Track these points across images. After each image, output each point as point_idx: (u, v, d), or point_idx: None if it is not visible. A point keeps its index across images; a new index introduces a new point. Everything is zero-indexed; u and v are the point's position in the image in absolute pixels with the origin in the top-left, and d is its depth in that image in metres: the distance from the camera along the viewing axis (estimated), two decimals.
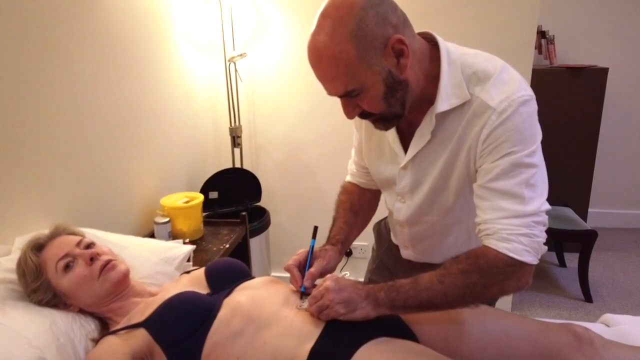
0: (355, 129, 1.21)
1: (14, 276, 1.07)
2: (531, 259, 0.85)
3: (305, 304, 0.98)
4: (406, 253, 1.24)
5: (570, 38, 3.36)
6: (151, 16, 1.91)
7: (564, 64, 3.18)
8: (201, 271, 1.14)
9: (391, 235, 1.33)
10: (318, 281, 1.05)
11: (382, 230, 1.41)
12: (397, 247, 1.28)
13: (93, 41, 1.54)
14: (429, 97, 0.93)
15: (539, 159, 0.88)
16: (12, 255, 1.16)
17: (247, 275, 1.13)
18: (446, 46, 0.93)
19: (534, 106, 0.89)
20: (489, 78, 0.90)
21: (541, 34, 3.20)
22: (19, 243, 1.20)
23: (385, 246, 1.37)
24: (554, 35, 3.22)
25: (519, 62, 2.28)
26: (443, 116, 0.93)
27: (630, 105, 3.46)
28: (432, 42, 0.94)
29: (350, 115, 0.92)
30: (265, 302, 0.99)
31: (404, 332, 0.93)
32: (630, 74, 3.38)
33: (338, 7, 0.82)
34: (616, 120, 3.47)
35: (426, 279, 0.90)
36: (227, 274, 1.10)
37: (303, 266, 1.09)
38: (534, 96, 0.90)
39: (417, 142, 0.99)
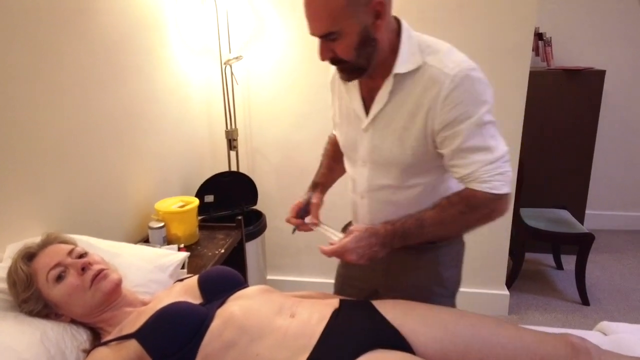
0: (331, 99, 1.34)
1: (4, 285, 1.06)
2: (507, 189, 1.04)
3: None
4: None
5: (567, 40, 3.36)
6: (145, 20, 1.89)
7: (561, 66, 3.18)
8: (194, 280, 1.12)
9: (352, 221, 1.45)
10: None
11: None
12: None
13: (87, 46, 1.52)
14: (389, 65, 1.06)
15: (491, 115, 1.05)
16: (3, 264, 1.14)
17: (241, 284, 1.12)
18: (408, 27, 1.09)
19: (481, 73, 1.04)
20: (440, 50, 1.06)
21: (538, 35, 3.20)
22: (11, 251, 1.18)
23: None
24: (551, 37, 3.21)
25: (516, 64, 2.28)
26: (400, 80, 1.06)
27: (627, 107, 3.46)
28: (398, 24, 1.09)
29: (323, 56, 1.04)
30: (258, 312, 0.98)
31: (400, 344, 0.92)
32: (627, 77, 3.38)
33: None
34: (613, 122, 3.47)
35: (429, 221, 1.06)
36: (221, 283, 1.09)
37: (302, 212, 1.32)
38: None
39: (377, 103, 1.12)
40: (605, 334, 1.16)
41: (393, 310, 1.00)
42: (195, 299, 1.05)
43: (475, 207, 1.04)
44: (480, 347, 0.92)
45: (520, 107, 2.33)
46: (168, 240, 1.78)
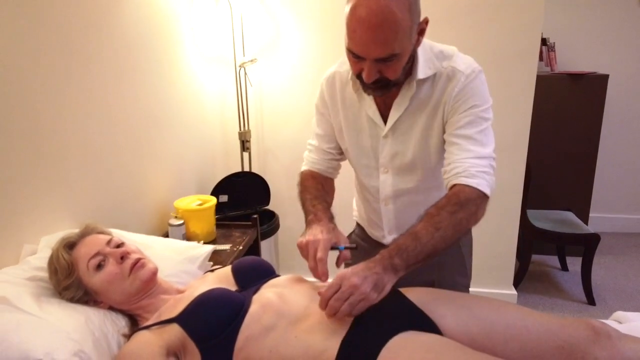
0: (321, 116, 1.32)
1: (43, 274, 1.10)
2: (489, 192, 1.06)
3: None
4: (390, 238, 1.31)
5: (570, 45, 3.43)
6: (162, 26, 1.94)
7: (565, 70, 3.24)
8: (227, 269, 1.17)
9: (368, 232, 1.42)
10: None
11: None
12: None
13: (112, 52, 1.59)
14: (405, 71, 1.08)
15: (491, 115, 1.12)
16: (39, 254, 1.19)
17: (273, 273, 1.16)
18: None
19: (484, 76, 1.13)
20: (452, 55, 1.13)
21: (542, 41, 3.26)
22: (45, 242, 1.23)
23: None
24: (554, 43, 3.28)
25: (523, 68, 2.34)
26: (419, 84, 1.12)
27: (630, 111, 3.52)
28: None
29: (370, 78, 1.02)
30: (293, 298, 1.02)
31: (429, 327, 0.96)
32: (630, 81, 3.45)
33: None
34: (616, 126, 3.53)
35: (424, 231, 0.99)
36: (254, 271, 1.14)
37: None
38: None
39: (396, 110, 1.15)
40: (621, 323, 1.21)
41: (420, 296, 1.04)
42: (230, 286, 1.09)
43: (463, 204, 1.03)
44: (504, 329, 0.96)
45: (528, 111, 2.39)
46: (187, 237, 1.82)
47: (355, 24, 0.95)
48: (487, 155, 1.08)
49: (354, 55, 1.01)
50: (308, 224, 1.16)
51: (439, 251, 1.00)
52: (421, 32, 1.03)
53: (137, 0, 1.73)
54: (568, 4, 3.37)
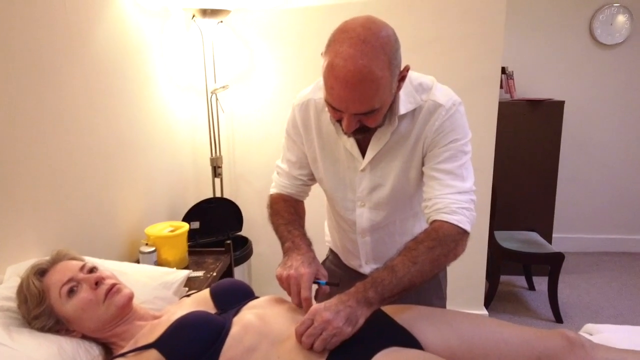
0: (293, 143, 1.27)
1: (11, 304, 1.05)
2: (470, 228, 1.06)
3: None
4: (368, 268, 1.31)
5: (527, 74, 3.61)
6: (135, 50, 1.95)
7: (523, 97, 3.40)
8: (205, 292, 1.15)
9: (344, 260, 1.41)
10: None
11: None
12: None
13: (82, 77, 1.57)
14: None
15: (470, 148, 1.12)
16: (6, 284, 1.14)
17: (252, 295, 1.15)
18: None
19: (464, 108, 1.13)
20: (431, 87, 1.11)
21: (501, 69, 3.42)
22: (11, 272, 1.18)
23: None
24: (512, 71, 3.45)
25: (486, 95, 2.44)
26: (400, 119, 1.10)
27: (586, 135, 3.70)
28: None
29: (350, 129, 1.00)
30: (274, 319, 1.01)
31: (411, 342, 0.97)
32: (584, 106, 3.65)
33: (378, 37, 0.91)
34: (574, 149, 3.71)
35: (400, 265, 0.98)
36: (233, 293, 1.12)
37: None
38: None
39: (376, 144, 1.13)
40: (591, 334, 1.25)
41: (401, 313, 1.05)
42: (209, 309, 1.07)
43: (441, 241, 1.02)
44: (484, 343, 0.98)
45: (492, 136, 2.49)
46: (159, 265, 1.78)
47: (332, 81, 0.93)
48: (467, 190, 1.08)
49: (333, 107, 0.98)
50: (286, 251, 1.13)
51: (415, 285, 0.99)
52: (402, 79, 1.01)
53: (108, 26, 1.73)
54: (525, 35, 3.57)
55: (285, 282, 1.04)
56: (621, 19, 3.49)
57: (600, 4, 3.48)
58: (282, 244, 1.17)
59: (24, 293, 1.03)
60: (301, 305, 1.01)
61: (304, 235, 1.18)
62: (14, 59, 1.26)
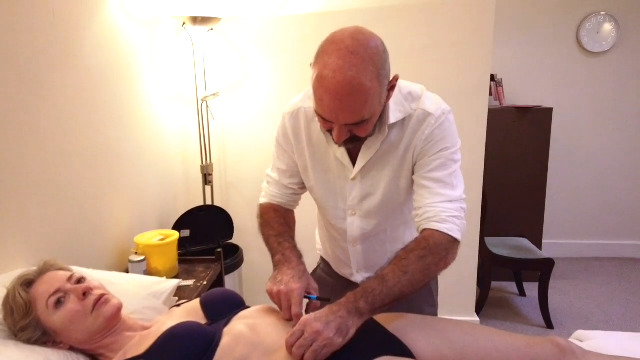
0: (284, 152, 1.26)
1: None
2: (460, 236, 1.06)
3: None
4: (359, 276, 1.31)
5: (516, 81, 3.65)
6: (124, 58, 1.94)
7: (512, 104, 3.43)
8: (196, 302, 1.14)
9: (335, 269, 1.40)
10: None
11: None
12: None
13: (71, 86, 1.55)
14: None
15: (460, 156, 1.13)
16: None
17: (243, 305, 1.14)
18: None
19: (453, 116, 1.13)
20: (420, 96, 1.12)
21: (490, 77, 3.46)
22: None
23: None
24: (502, 78, 3.48)
25: (475, 102, 2.46)
26: (390, 128, 1.10)
27: (574, 141, 3.74)
28: None
29: (341, 140, 1.00)
30: (265, 329, 1.00)
31: (403, 351, 0.97)
32: (572, 113, 3.69)
33: (367, 48, 0.91)
34: (562, 155, 3.74)
35: (391, 275, 0.98)
36: (224, 303, 1.11)
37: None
38: None
39: (366, 153, 1.13)
40: (582, 341, 1.25)
41: (392, 322, 1.05)
42: (199, 320, 1.06)
43: (432, 249, 1.02)
44: (475, 351, 0.98)
45: (482, 142, 2.51)
46: (149, 274, 1.76)
47: (322, 92, 0.93)
48: (457, 198, 1.08)
49: (323, 118, 0.98)
50: (276, 265, 1.12)
51: (406, 294, 0.98)
52: (392, 89, 1.01)
53: (97, 34, 1.72)
54: (513, 43, 3.61)
55: (275, 298, 1.04)
56: (607, 27, 3.54)
57: (587, 13, 3.53)
58: (273, 257, 1.16)
59: (10, 305, 1.01)
60: (292, 319, 1.00)
61: (294, 247, 1.17)
62: (0, 68, 1.24)
